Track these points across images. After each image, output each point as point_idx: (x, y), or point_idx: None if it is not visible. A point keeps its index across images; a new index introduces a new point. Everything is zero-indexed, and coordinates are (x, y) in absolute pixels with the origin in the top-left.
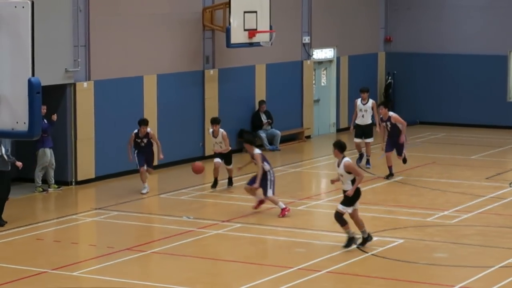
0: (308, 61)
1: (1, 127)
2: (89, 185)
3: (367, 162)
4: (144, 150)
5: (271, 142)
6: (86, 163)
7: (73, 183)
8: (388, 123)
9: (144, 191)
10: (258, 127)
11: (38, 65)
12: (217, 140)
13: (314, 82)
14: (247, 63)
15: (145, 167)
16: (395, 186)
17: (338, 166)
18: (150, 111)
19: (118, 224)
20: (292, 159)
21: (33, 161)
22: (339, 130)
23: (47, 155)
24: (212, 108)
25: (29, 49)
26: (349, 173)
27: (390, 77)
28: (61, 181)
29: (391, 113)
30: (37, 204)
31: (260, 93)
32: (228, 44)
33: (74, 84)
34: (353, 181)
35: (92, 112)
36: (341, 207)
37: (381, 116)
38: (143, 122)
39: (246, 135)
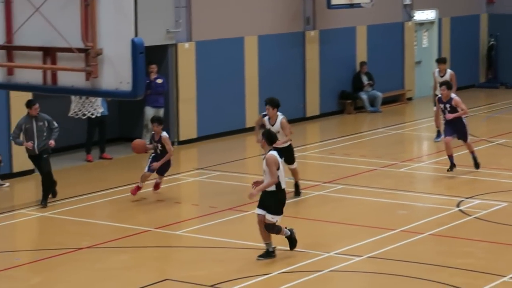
0: (409, 23)
1: (105, 87)
2: (191, 145)
3: (438, 135)
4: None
5: (372, 104)
6: (188, 123)
7: (176, 143)
8: (448, 106)
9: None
10: (359, 89)
11: (141, 26)
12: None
13: (415, 43)
14: (348, 25)
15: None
16: (496, 149)
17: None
18: (251, 72)
19: (220, 184)
20: (394, 121)
21: (134, 121)
22: None
23: (148, 113)
24: (312, 70)
25: (132, 10)
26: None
27: (493, 39)
28: None
29: (453, 95)
30: (142, 163)
31: (361, 54)
32: (329, 5)
33: (176, 45)
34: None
35: (194, 72)
36: (270, 217)
37: (439, 95)
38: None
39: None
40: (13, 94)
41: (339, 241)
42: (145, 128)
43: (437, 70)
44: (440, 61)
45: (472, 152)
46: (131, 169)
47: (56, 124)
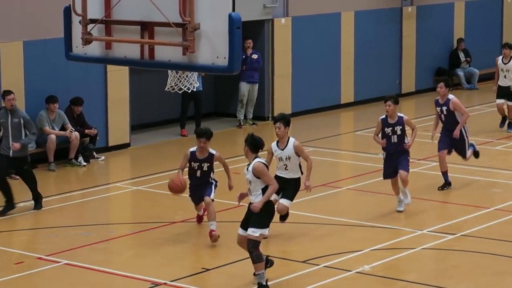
0: (509, 0)
1: (202, 62)
2: None
3: (509, 126)
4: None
5: (468, 81)
6: (282, 99)
7: (270, 119)
8: (444, 109)
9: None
10: (456, 65)
11: (238, 1)
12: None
13: None
14: (446, 1)
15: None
16: None
17: (247, 169)
18: (347, 48)
19: (314, 160)
20: (490, 98)
21: (229, 96)
22: None
23: (243, 89)
24: (409, 46)
25: None
26: (258, 178)
27: None
28: (259, 117)
29: (451, 96)
30: (236, 138)
31: (459, 31)
32: None
33: (272, 20)
34: (264, 190)
35: (290, 48)
36: (252, 231)
37: (437, 98)
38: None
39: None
40: (110, 68)
41: (432, 219)
42: (239, 103)
43: (500, 57)
44: (506, 46)
45: (444, 173)
46: (225, 144)
47: (35, 130)
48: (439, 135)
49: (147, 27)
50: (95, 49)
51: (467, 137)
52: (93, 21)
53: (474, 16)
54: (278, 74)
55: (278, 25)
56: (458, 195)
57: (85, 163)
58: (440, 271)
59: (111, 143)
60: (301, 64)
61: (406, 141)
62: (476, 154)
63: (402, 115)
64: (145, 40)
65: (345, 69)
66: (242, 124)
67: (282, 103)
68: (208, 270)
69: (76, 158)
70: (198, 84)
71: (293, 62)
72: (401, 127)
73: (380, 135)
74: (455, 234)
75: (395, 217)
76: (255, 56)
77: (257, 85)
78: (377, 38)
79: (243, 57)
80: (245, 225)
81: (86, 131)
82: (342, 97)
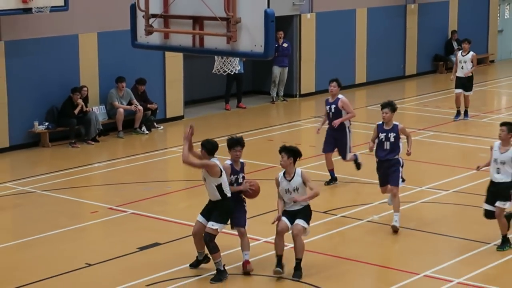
0: None
1: (242, 49)
2: (310, 97)
3: (466, 114)
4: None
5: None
6: (308, 80)
7: (297, 96)
8: (333, 107)
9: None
10: (450, 52)
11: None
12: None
13: (498, 15)
14: None
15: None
16: None
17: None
18: (360, 38)
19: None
20: (479, 79)
21: (264, 77)
22: None
23: (275, 71)
24: (412, 37)
25: None
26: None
27: None
28: (288, 94)
29: (340, 96)
30: (270, 111)
31: (453, 24)
32: None
33: (300, 15)
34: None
35: (314, 38)
36: (211, 225)
37: (328, 97)
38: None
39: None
40: (168, 54)
41: (429, 178)
42: (273, 83)
43: (460, 51)
44: (466, 40)
45: (331, 171)
46: (262, 116)
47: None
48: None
49: (197, 21)
50: (155, 39)
51: (349, 140)
52: (154, 15)
53: (465, 12)
54: (304, 59)
55: (305, 19)
56: (451, 159)
57: (147, 132)
58: (435, 220)
59: (168, 115)
60: (323, 52)
61: (400, 149)
62: (357, 165)
63: (397, 123)
64: (196, 31)
65: (359, 55)
66: (274, 100)
67: (307, 83)
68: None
69: (140, 127)
70: (240, 67)
71: (317, 49)
72: (395, 134)
73: (376, 141)
74: (448, 190)
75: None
76: (285, 45)
77: (287, 68)
78: (385, 30)
79: (276, 45)
80: (206, 215)
81: (148, 105)
82: (356, 78)
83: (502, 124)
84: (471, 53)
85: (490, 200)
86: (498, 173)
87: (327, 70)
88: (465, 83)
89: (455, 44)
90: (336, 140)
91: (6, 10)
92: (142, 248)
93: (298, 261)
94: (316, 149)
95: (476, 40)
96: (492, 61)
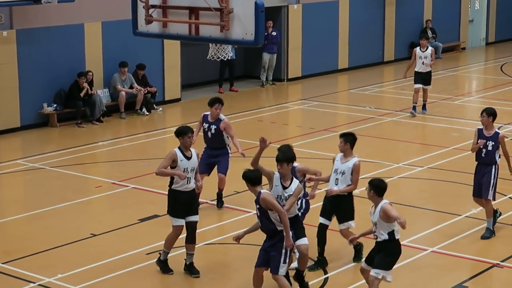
0: None
1: (235, 37)
2: (297, 81)
3: (424, 107)
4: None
5: (435, 52)
6: (295, 65)
7: (285, 80)
8: (213, 127)
9: None
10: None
11: None
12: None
13: (469, 6)
14: None
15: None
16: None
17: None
18: (343, 27)
19: (318, 112)
20: (451, 65)
21: (255, 63)
22: (487, 44)
23: (265, 58)
24: (390, 26)
25: None
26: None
27: None
28: (277, 78)
29: (222, 116)
30: (260, 94)
31: (427, 13)
32: None
33: (287, 6)
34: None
35: (300, 27)
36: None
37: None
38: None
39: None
40: (166, 42)
41: (406, 155)
42: (262, 69)
43: (418, 47)
44: (424, 37)
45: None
46: (252, 99)
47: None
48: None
49: (193, 11)
50: (155, 27)
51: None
52: (153, 6)
53: (439, 2)
54: (291, 47)
55: (292, 10)
56: (426, 137)
57: (147, 113)
58: (411, 194)
59: (167, 98)
60: (309, 39)
61: (497, 158)
62: (218, 201)
63: (499, 131)
64: (192, 21)
65: (342, 43)
66: (264, 84)
67: (295, 68)
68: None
69: (140, 109)
70: (232, 54)
71: (303, 38)
72: (493, 143)
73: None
74: (423, 166)
75: (377, 154)
76: (274, 33)
77: (275, 55)
78: (366, 19)
79: (265, 34)
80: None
81: (148, 89)
82: (339, 63)
83: (341, 136)
84: (430, 48)
85: (327, 213)
86: (336, 184)
87: (313, 57)
88: (425, 78)
89: (429, 32)
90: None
91: (17, 1)
92: (142, 220)
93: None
94: (302, 129)
95: (448, 28)
96: (464, 48)
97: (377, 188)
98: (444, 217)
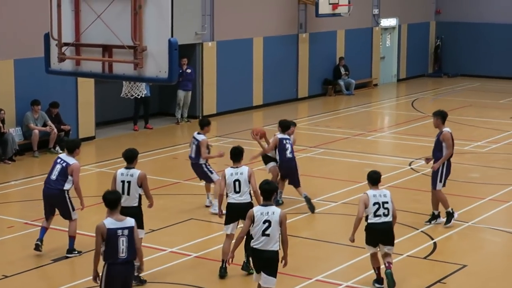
0: (377, 28)
1: (148, 75)
2: (212, 118)
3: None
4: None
5: (347, 88)
6: (210, 102)
7: (200, 117)
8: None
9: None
10: (338, 77)
11: (176, 29)
12: None
13: (381, 43)
14: (331, 29)
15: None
16: None
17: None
18: (257, 64)
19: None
20: (363, 101)
21: (170, 100)
22: (399, 80)
23: (180, 95)
24: (303, 63)
25: (169, 17)
26: None
27: (439, 40)
28: (192, 115)
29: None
30: (175, 132)
31: (340, 51)
32: (317, 14)
33: (202, 44)
34: None
35: (215, 64)
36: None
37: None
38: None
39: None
40: (80, 79)
41: (321, 191)
42: (177, 106)
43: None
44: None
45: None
46: (168, 136)
47: None
48: None
49: (107, 49)
50: (68, 65)
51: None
52: (66, 44)
53: (351, 40)
54: (206, 84)
55: (206, 47)
56: (340, 173)
57: (61, 151)
58: (326, 229)
59: (81, 136)
60: (223, 76)
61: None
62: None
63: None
64: (105, 59)
65: (256, 80)
66: (179, 121)
67: (210, 105)
68: None
69: (54, 147)
70: (146, 91)
71: (218, 74)
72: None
73: None
74: (337, 202)
75: (292, 190)
76: (189, 70)
77: (190, 92)
78: (280, 57)
79: (180, 71)
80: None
81: (62, 127)
82: (254, 100)
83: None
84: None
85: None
86: (237, 192)
87: (228, 93)
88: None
89: (342, 70)
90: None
91: None
92: (55, 260)
93: None
94: (218, 166)
95: (361, 65)
96: (376, 85)
97: (370, 178)
98: (358, 252)
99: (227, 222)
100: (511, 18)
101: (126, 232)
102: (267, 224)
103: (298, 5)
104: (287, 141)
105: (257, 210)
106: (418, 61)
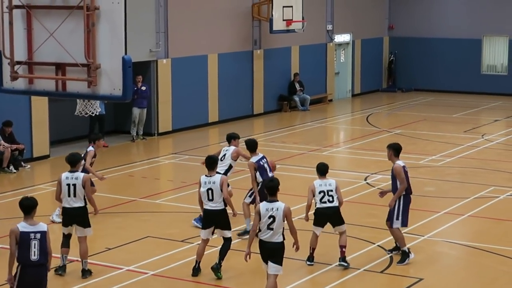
0: (331, 43)
1: (102, 93)
2: (168, 136)
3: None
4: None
5: (302, 104)
6: (165, 119)
7: (156, 134)
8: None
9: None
10: (293, 93)
11: (129, 46)
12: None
13: (335, 59)
14: (285, 45)
15: None
16: (394, 136)
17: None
18: (212, 81)
19: (189, 165)
20: (318, 117)
21: (125, 117)
22: (353, 95)
23: (135, 112)
24: (258, 79)
25: (123, 35)
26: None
27: (392, 55)
28: (147, 133)
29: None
30: (130, 149)
31: (295, 67)
32: (271, 31)
33: (156, 61)
34: None
35: (170, 81)
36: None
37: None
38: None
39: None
40: (33, 98)
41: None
42: (133, 123)
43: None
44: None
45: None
46: (123, 154)
47: None
48: None
49: (60, 67)
50: (20, 84)
51: None
52: (18, 62)
53: (305, 56)
54: (161, 101)
55: (161, 64)
56: (297, 188)
57: (15, 170)
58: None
59: (35, 155)
60: (178, 93)
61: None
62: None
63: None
64: (59, 77)
65: (211, 96)
66: (134, 139)
67: (165, 122)
68: None
69: (8, 166)
70: (101, 109)
71: (173, 91)
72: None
73: None
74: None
75: None
76: (143, 88)
77: (145, 109)
78: (235, 73)
79: (135, 88)
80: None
81: (16, 146)
82: (209, 117)
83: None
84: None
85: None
86: (210, 199)
87: (183, 110)
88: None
89: (297, 85)
90: None
91: None
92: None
93: None
94: (174, 183)
95: (316, 81)
96: (331, 100)
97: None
98: (316, 267)
99: (203, 228)
100: (462, 33)
101: (38, 236)
102: (271, 219)
103: (252, 21)
104: (263, 160)
105: (263, 206)
106: (372, 76)
